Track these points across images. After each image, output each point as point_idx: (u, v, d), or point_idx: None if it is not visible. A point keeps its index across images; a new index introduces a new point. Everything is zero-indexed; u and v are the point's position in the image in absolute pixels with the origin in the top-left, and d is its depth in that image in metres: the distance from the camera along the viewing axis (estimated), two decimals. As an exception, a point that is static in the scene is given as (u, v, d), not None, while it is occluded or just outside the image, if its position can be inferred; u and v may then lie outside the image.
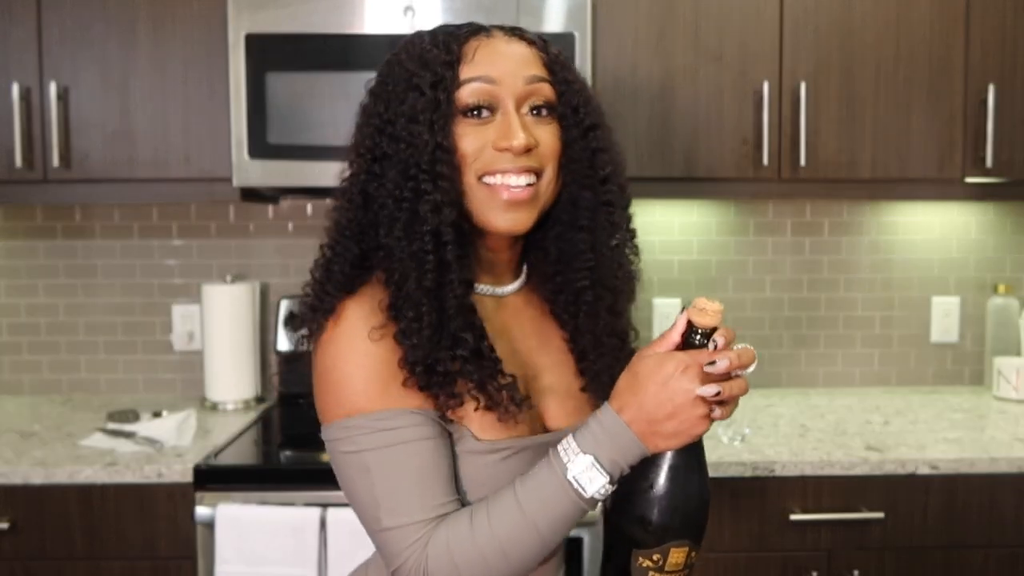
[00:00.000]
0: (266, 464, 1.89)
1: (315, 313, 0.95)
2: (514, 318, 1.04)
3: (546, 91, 0.97)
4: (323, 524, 1.66)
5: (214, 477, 1.73)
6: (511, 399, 0.94)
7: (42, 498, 1.73)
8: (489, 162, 0.94)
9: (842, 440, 1.89)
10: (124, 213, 2.37)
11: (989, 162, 2.02)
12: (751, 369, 0.87)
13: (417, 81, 0.94)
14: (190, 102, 2.01)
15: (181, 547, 1.74)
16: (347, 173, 1.00)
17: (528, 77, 0.96)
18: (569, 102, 0.98)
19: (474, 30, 0.98)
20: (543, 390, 1.03)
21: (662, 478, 0.88)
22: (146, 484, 1.73)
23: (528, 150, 0.94)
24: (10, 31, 1.99)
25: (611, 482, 0.87)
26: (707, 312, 0.85)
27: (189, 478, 1.72)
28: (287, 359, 2.32)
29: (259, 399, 2.29)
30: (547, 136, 0.96)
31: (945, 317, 2.43)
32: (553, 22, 1.91)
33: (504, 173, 0.94)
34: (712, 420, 0.87)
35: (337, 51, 1.92)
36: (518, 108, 0.95)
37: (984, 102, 2.03)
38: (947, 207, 2.41)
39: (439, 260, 0.92)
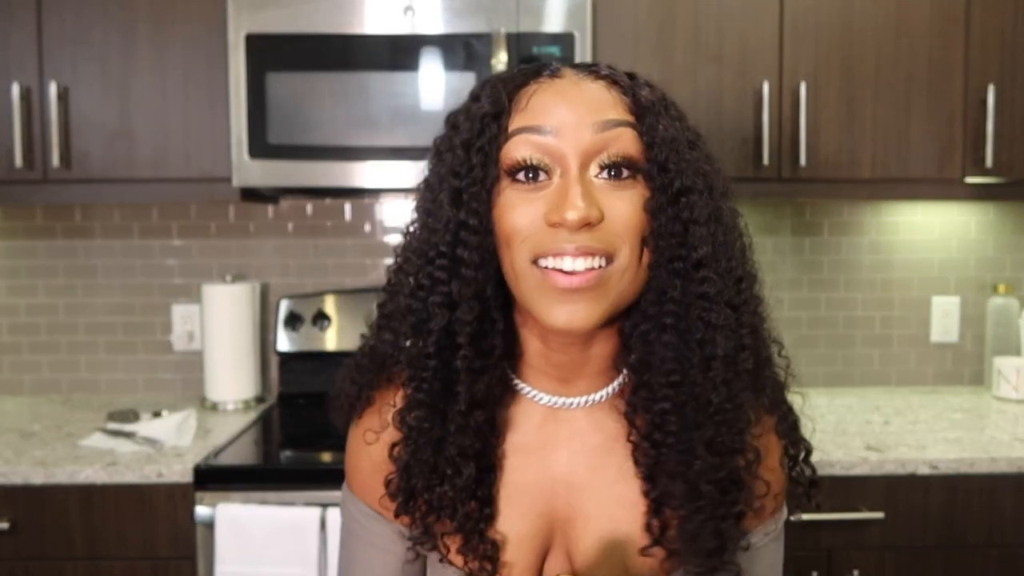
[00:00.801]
0: (266, 464, 1.89)
1: (353, 403, 0.86)
2: (569, 438, 0.82)
3: (625, 143, 0.73)
4: (323, 524, 1.66)
5: (214, 477, 1.73)
6: (481, 557, 0.79)
7: (42, 498, 1.73)
8: (542, 241, 0.72)
9: (842, 440, 1.89)
10: (124, 213, 2.37)
11: (989, 162, 2.02)
12: None
13: (454, 137, 0.77)
14: (190, 102, 2.01)
15: (181, 547, 1.74)
16: (398, 251, 0.83)
17: (599, 124, 0.73)
18: (656, 157, 0.74)
19: (536, 70, 0.77)
20: (578, 536, 0.82)
21: None
22: (146, 484, 1.73)
23: (589, 224, 0.71)
24: (10, 31, 1.99)
25: None
26: None
27: (189, 478, 1.72)
28: (287, 359, 2.32)
29: (259, 399, 2.29)
30: (623, 205, 0.73)
31: (945, 317, 2.43)
32: (553, 22, 1.91)
33: (558, 255, 0.72)
34: None
35: (337, 51, 1.92)
36: (584, 168, 0.73)
37: (984, 102, 2.03)
38: (947, 207, 2.41)
39: (443, 368, 0.76)
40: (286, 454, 2.00)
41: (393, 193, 2.34)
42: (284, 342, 2.30)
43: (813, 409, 1.92)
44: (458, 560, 0.81)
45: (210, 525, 1.69)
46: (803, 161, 2.02)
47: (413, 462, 0.79)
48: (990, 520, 1.78)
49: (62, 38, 1.99)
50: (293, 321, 2.30)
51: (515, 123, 0.74)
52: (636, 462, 0.80)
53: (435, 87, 1.92)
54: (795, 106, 2.02)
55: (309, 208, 2.38)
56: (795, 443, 0.89)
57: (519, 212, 0.73)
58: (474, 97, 0.78)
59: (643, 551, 0.79)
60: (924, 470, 1.76)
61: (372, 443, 0.83)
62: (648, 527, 0.79)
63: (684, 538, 0.77)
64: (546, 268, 0.73)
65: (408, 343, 0.78)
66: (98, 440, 1.89)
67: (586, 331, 0.74)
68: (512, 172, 0.74)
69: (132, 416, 2.05)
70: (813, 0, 2.03)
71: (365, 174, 1.94)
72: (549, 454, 0.82)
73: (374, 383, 0.84)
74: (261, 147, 1.93)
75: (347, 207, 2.38)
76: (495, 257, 0.76)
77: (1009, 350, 2.36)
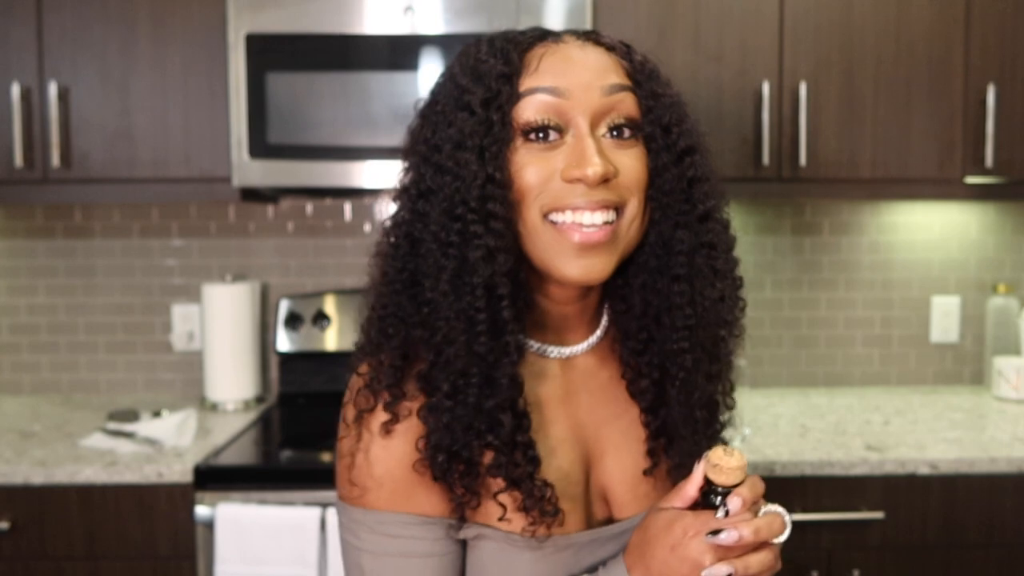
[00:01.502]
0: (266, 464, 1.89)
1: (372, 386, 0.80)
2: (584, 382, 0.87)
3: (628, 105, 0.78)
4: (323, 524, 1.66)
5: (214, 477, 1.73)
6: (543, 510, 0.79)
7: (42, 498, 1.74)
8: (558, 196, 0.76)
9: (842, 440, 1.89)
10: (124, 213, 2.37)
11: (989, 162, 2.02)
12: (783, 538, 0.74)
13: (467, 98, 0.77)
14: (190, 102, 2.01)
15: (181, 547, 1.74)
16: (392, 210, 0.83)
17: (606, 88, 0.77)
18: (658, 119, 0.79)
19: (540, 35, 0.80)
20: (609, 471, 0.87)
21: None
22: (146, 484, 1.73)
23: (606, 180, 0.75)
24: (10, 31, 1.99)
25: None
26: (721, 469, 0.73)
27: (189, 478, 1.72)
28: (287, 359, 2.32)
29: (259, 399, 2.29)
30: (630, 162, 0.78)
31: (945, 317, 2.43)
32: (553, 22, 1.91)
33: (576, 210, 0.76)
34: None
35: (337, 51, 1.92)
36: (593, 128, 0.77)
37: (984, 102, 2.02)
38: (947, 207, 2.41)
39: (492, 320, 0.76)
40: (286, 454, 2.00)
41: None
42: (284, 342, 2.30)
43: (813, 409, 1.94)
44: (518, 519, 0.79)
45: (210, 525, 1.69)
46: (803, 161, 2.02)
47: (453, 419, 0.76)
48: (990, 520, 1.78)
49: (62, 38, 1.99)
50: (293, 321, 2.30)
51: (527, 84, 0.77)
52: (632, 396, 0.87)
53: (435, 87, 1.92)
54: (795, 106, 2.02)
55: (309, 208, 2.38)
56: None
57: (533, 169, 0.76)
58: (477, 58, 0.79)
59: (645, 472, 0.87)
60: (924, 470, 1.76)
61: (393, 433, 0.78)
62: (650, 452, 0.87)
63: (682, 456, 0.85)
64: (560, 223, 0.76)
65: (449, 301, 0.76)
66: (98, 440, 1.89)
67: (601, 281, 0.78)
68: (526, 131, 0.77)
69: (132, 416, 2.05)
70: (813, 0, 2.03)
71: (365, 174, 1.94)
72: (572, 400, 0.86)
73: (409, 352, 0.80)
74: (261, 147, 1.93)
75: (347, 207, 2.38)
76: (518, 208, 0.77)
77: (1009, 350, 2.36)
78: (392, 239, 0.82)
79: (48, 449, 1.85)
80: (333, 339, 2.29)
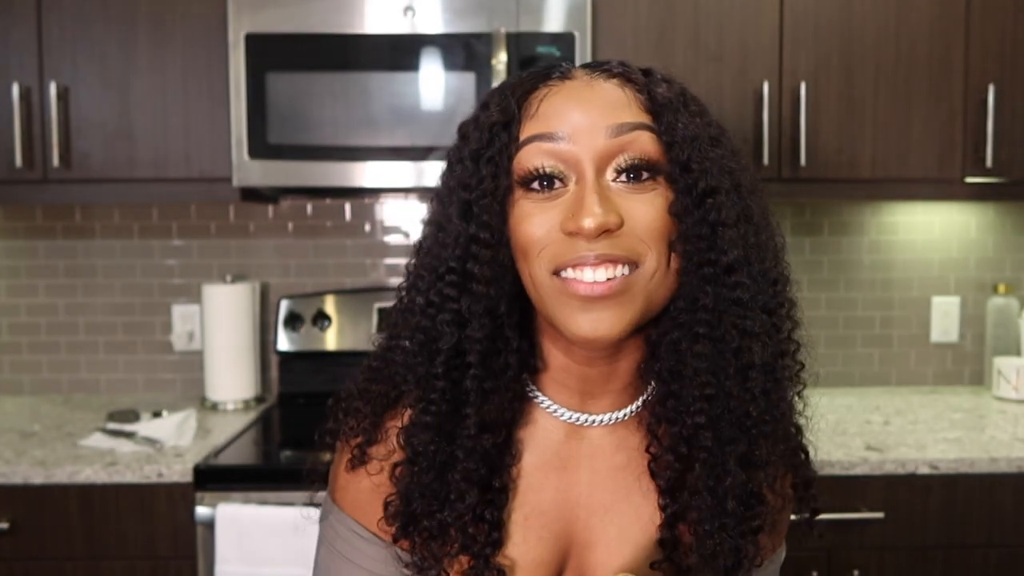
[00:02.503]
0: (266, 464, 1.89)
1: (356, 420, 0.79)
2: (591, 459, 0.78)
3: (643, 145, 0.69)
4: (323, 524, 1.66)
5: (214, 477, 1.73)
6: None
7: (42, 498, 1.73)
8: (560, 252, 0.69)
9: (842, 440, 1.89)
10: (124, 213, 2.37)
11: (989, 162, 2.02)
12: None
13: (463, 149, 0.73)
14: (190, 102, 2.01)
15: (181, 547, 1.74)
16: (410, 267, 0.79)
17: (613, 127, 0.69)
18: (678, 157, 0.70)
19: (546, 73, 0.74)
20: (593, 567, 0.78)
21: None
22: (146, 484, 1.73)
23: (605, 232, 0.67)
24: (10, 31, 1.99)
25: None
26: None
27: (189, 478, 1.72)
28: (287, 359, 2.32)
29: (259, 399, 2.29)
30: (643, 209, 0.69)
31: (945, 317, 2.43)
32: (553, 22, 1.91)
33: (576, 266, 0.68)
34: None
35: (337, 51, 1.92)
36: (600, 173, 0.69)
37: (984, 102, 2.02)
38: (947, 207, 2.41)
39: (453, 389, 0.72)
40: (286, 454, 2.00)
41: (393, 193, 2.34)
42: (284, 342, 2.30)
43: (813, 409, 1.91)
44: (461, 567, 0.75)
45: (210, 525, 1.69)
46: (803, 161, 2.02)
47: (415, 485, 0.73)
48: (990, 520, 1.78)
49: (62, 38, 1.99)
50: (293, 321, 2.30)
51: (526, 131, 0.71)
52: (653, 475, 0.76)
53: (435, 87, 1.92)
54: (795, 106, 2.02)
55: (309, 208, 2.38)
56: (806, 477, 0.83)
57: (535, 222, 0.70)
58: (483, 105, 0.75)
59: (654, 566, 0.76)
60: (924, 470, 1.76)
61: (375, 473, 0.77)
62: (662, 542, 0.76)
63: (702, 554, 0.73)
64: (566, 278, 0.69)
65: (416, 363, 0.74)
66: (98, 440, 1.89)
67: (613, 340, 0.69)
68: (525, 182, 0.71)
69: (132, 416, 2.05)
70: (813, 0, 2.03)
71: (365, 174, 1.94)
72: (570, 474, 0.78)
73: (383, 408, 0.78)
74: (261, 147, 1.93)
75: (347, 207, 2.38)
76: (509, 271, 0.72)
77: (1009, 350, 2.36)
78: (403, 288, 0.79)
79: (48, 449, 1.85)
80: (333, 339, 2.29)
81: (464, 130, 0.75)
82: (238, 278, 2.32)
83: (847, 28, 2.03)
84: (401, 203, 2.38)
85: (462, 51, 1.91)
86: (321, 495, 0.87)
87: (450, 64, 1.92)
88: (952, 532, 1.78)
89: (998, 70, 2.04)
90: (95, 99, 2.01)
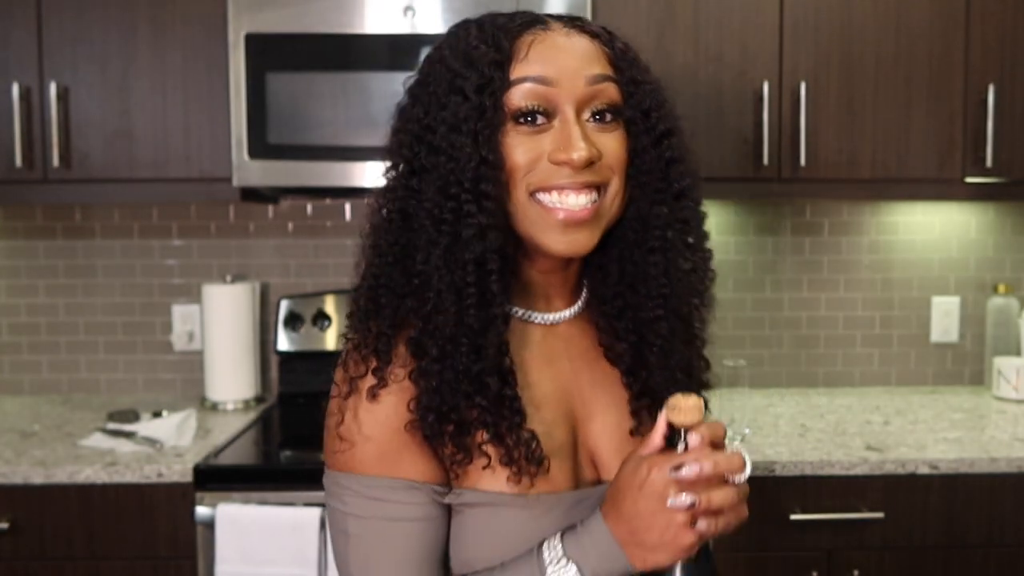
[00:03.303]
0: (266, 464, 1.89)
1: (362, 352, 0.83)
2: (566, 349, 0.92)
3: (611, 92, 0.84)
4: (323, 524, 1.66)
5: (214, 477, 1.73)
6: (528, 457, 0.82)
7: (42, 498, 1.74)
8: (544, 177, 0.81)
9: (842, 440, 1.89)
10: (124, 213, 2.37)
11: (989, 162, 2.02)
12: (745, 475, 0.77)
13: (461, 83, 0.81)
14: (190, 102, 2.01)
15: (181, 547, 1.74)
16: (382, 184, 0.87)
17: (591, 77, 0.82)
18: (639, 105, 0.85)
19: (528, 21, 0.84)
20: (597, 434, 0.91)
21: None
22: (146, 484, 1.73)
23: (590, 163, 0.81)
24: (10, 31, 1.99)
25: None
26: (679, 409, 0.76)
27: (189, 478, 1.72)
28: (287, 359, 2.32)
29: (259, 399, 2.29)
30: (612, 145, 0.83)
31: (945, 317, 2.43)
32: (553, 22, 1.91)
33: (561, 191, 0.81)
34: (700, 534, 0.76)
35: (337, 51, 1.92)
36: (579, 113, 0.82)
37: (984, 102, 2.03)
38: (947, 207, 2.41)
39: (481, 293, 0.80)
40: (286, 454, 2.00)
41: (393, 193, 2.34)
42: (284, 342, 2.30)
43: (813, 409, 1.93)
44: (502, 472, 0.82)
45: (210, 525, 1.69)
46: (803, 161, 2.02)
47: (442, 383, 0.80)
48: (990, 520, 1.78)
49: (62, 38, 1.99)
50: (293, 321, 2.30)
51: (518, 71, 0.81)
52: (611, 361, 0.92)
53: (435, 87, 1.92)
54: (795, 106, 2.02)
55: (309, 208, 2.38)
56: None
57: (521, 151, 0.81)
58: (468, 42, 0.83)
59: (632, 432, 0.91)
60: (924, 470, 1.76)
61: (382, 396, 0.81)
62: (634, 413, 0.92)
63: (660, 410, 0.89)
64: (546, 203, 0.82)
65: (442, 274, 0.80)
66: (98, 440, 1.89)
67: (585, 253, 0.84)
68: (515, 116, 0.81)
69: (132, 416, 2.05)
70: (813, 0, 2.03)
71: (365, 174, 1.93)
72: (555, 365, 0.90)
73: (400, 322, 0.83)
74: (261, 147, 1.93)
75: (347, 207, 2.38)
76: (507, 187, 0.82)
77: (1009, 350, 2.36)
78: (384, 212, 0.86)
79: (48, 449, 1.85)
80: (333, 339, 2.29)
81: (448, 63, 0.83)
82: (238, 278, 2.32)
83: (847, 28, 2.03)
84: (401, 203, 2.38)
85: (462, 51, 1.91)
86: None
87: (450, 64, 1.91)
88: (952, 532, 1.78)
89: (998, 70, 2.04)
90: (95, 99, 2.01)
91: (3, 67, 1.99)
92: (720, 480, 0.76)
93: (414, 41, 1.92)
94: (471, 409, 0.81)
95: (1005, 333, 2.37)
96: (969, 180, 2.06)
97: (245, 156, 1.93)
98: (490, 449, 0.82)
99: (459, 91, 0.81)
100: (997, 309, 2.38)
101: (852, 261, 2.42)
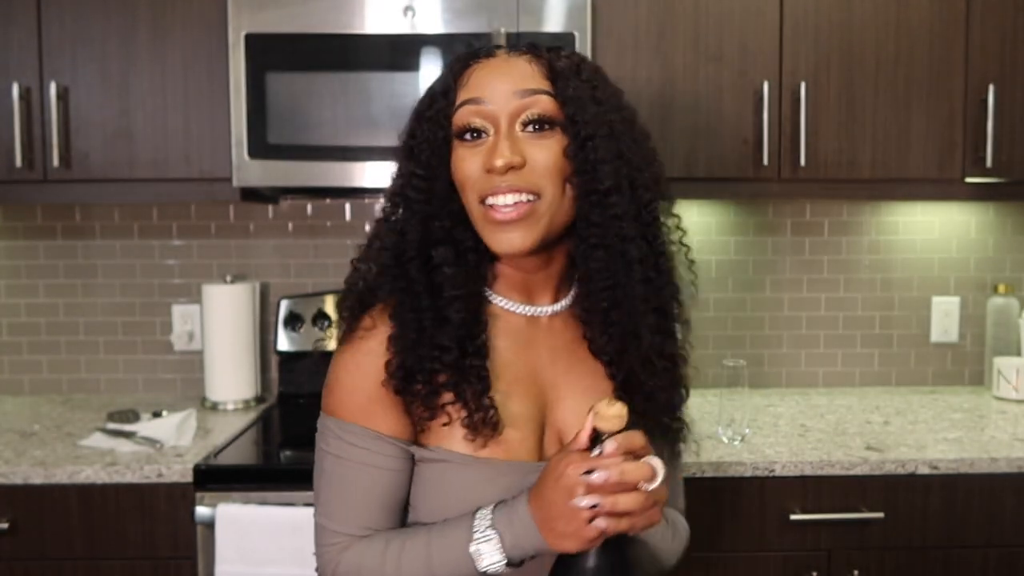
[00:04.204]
0: (266, 464, 1.89)
1: (352, 316, 1.00)
2: (547, 338, 1.02)
3: (542, 104, 0.93)
4: (323, 524, 1.65)
5: (214, 477, 1.73)
6: (484, 421, 0.93)
7: (42, 498, 1.74)
8: (483, 184, 0.92)
9: (842, 440, 1.89)
10: (124, 213, 2.37)
11: (989, 162, 2.02)
12: (656, 483, 0.83)
13: (420, 109, 0.98)
14: (190, 102, 2.01)
15: (181, 547, 1.74)
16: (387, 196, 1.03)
17: (520, 92, 0.92)
18: (567, 113, 0.93)
19: (476, 53, 0.97)
20: (566, 414, 1.00)
21: None
22: (146, 484, 1.73)
23: (511, 169, 0.91)
24: (10, 31, 1.99)
25: (509, 563, 0.88)
26: (601, 416, 0.82)
27: (189, 478, 1.72)
28: (287, 359, 2.32)
29: (259, 399, 2.29)
30: (542, 153, 0.92)
31: (945, 317, 2.43)
32: (553, 22, 1.91)
33: (493, 194, 0.92)
34: (600, 531, 0.83)
35: (337, 51, 1.92)
36: (511, 126, 0.93)
37: (984, 102, 2.03)
38: (947, 207, 2.41)
39: (428, 280, 0.95)
40: (286, 454, 2.00)
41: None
42: (284, 342, 2.30)
43: (813, 409, 1.93)
44: (459, 432, 0.94)
45: (210, 525, 1.69)
46: (803, 161, 2.02)
47: (409, 346, 0.93)
48: (990, 520, 1.78)
49: (62, 38, 1.99)
50: (293, 321, 2.30)
51: (460, 97, 0.94)
52: (595, 355, 1.00)
53: (435, 87, 1.92)
54: (795, 106, 2.02)
55: (309, 208, 2.38)
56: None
57: (466, 163, 0.93)
58: (435, 79, 1.00)
59: None
60: (924, 470, 1.76)
61: (367, 354, 0.96)
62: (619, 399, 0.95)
63: (646, 399, 0.98)
64: (488, 205, 0.92)
65: (390, 263, 0.97)
66: (98, 440, 1.89)
67: (524, 253, 0.93)
68: (460, 134, 0.94)
69: (132, 416, 2.05)
70: (813, 0, 2.03)
71: (365, 174, 1.94)
72: (533, 351, 1.00)
73: (361, 308, 0.99)
74: (261, 147, 1.93)
75: (347, 207, 2.38)
76: (447, 198, 0.95)
77: (1009, 350, 2.36)
78: (382, 212, 1.01)
79: (48, 449, 1.85)
80: (333, 339, 2.29)
81: (424, 94, 0.99)
82: (238, 278, 2.32)
83: (847, 28, 2.03)
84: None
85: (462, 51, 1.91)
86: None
87: (450, 64, 1.92)
88: (952, 532, 1.78)
89: (998, 70, 2.04)
90: (95, 99, 2.01)
91: (3, 67, 1.99)
92: (629, 486, 0.82)
93: (414, 41, 1.92)
94: (439, 373, 0.93)
95: (1005, 333, 2.37)
96: (969, 180, 2.06)
97: (245, 156, 1.93)
98: (452, 410, 0.94)
99: (416, 117, 0.98)
100: (997, 309, 2.38)
101: (852, 261, 2.42)
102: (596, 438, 0.84)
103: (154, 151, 2.02)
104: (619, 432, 0.83)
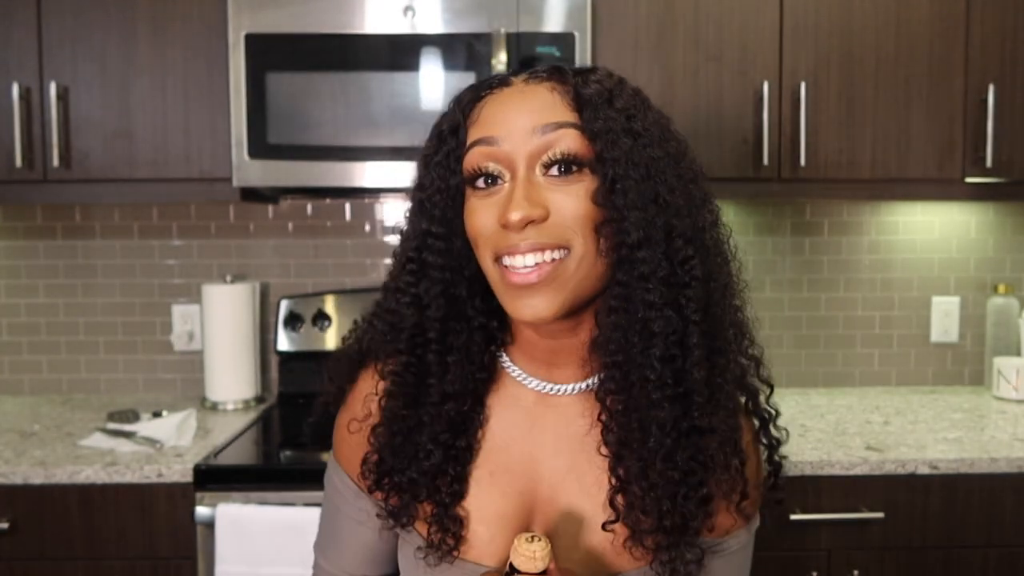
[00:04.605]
0: (266, 464, 1.88)
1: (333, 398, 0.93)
2: (556, 425, 0.85)
3: (567, 141, 0.76)
4: (323, 524, 1.66)
5: (214, 477, 1.73)
6: (442, 540, 0.83)
7: (42, 498, 1.73)
8: (498, 241, 0.76)
9: (842, 440, 1.89)
10: (124, 213, 2.37)
11: (989, 162, 2.02)
12: None
13: (427, 153, 0.83)
14: (190, 102, 2.01)
15: (181, 547, 1.74)
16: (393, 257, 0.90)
17: (541, 128, 0.76)
18: (595, 149, 0.76)
19: (491, 83, 0.81)
20: (555, 519, 0.85)
21: None
22: (146, 484, 1.73)
23: (531, 223, 0.75)
24: (10, 31, 1.99)
25: None
26: (518, 553, 0.73)
27: (189, 478, 1.72)
28: (287, 359, 2.32)
29: (259, 399, 2.29)
30: (568, 200, 0.75)
31: (945, 317, 2.43)
32: (553, 22, 1.91)
33: (511, 254, 0.76)
34: None
35: (337, 51, 1.92)
36: (531, 169, 0.76)
37: (984, 102, 2.02)
38: (947, 207, 2.41)
39: (417, 363, 0.83)
40: (286, 454, 2.00)
41: (393, 193, 2.34)
42: (284, 342, 2.30)
43: (813, 409, 1.93)
44: (422, 529, 0.85)
45: (210, 525, 1.69)
46: (803, 161, 2.02)
47: (388, 445, 0.84)
48: (990, 520, 1.78)
49: (62, 38, 1.99)
50: (293, 321, 2.30)
51: (470, 136, 0.79)
52: (605, 442, 0.81)
53: (435, 87, 1.92)
54: (795, 106, 2.02)
55: (309, 208, 2.38)
56: (770, 445, 0.89)
57: (479, 216, 0.78)
58: (443, 112, 0.83)
59: (604, 525, 0.81)
60: (924, 470, 1.76)
61: (355, 432, 0.88)
62: (611, 502, 0.81)
63: (642, 513, 0.79)
64: (505, 266, 0.77)
65: (386, 341, 0.85)
66: (98, 440, 1.89)
67: (547, 321, 0.76)
68: (471, 180, 0.79)
69: (132, 416, 2.05)
70: (813, 0, 2.03)
71: (365, 174, 1.94)
72: (536, 436, 0.85)
73: (351, 377, 0.91)
74: (261, 147, 1.93)
75: (347, 207, 2.38)
76: (465, 258, 0.81)
77: (1009, 350, 2.36)
78: (391, 278, 0.88)
79: (48, 449, 1.85)
80: (333, 339, 2.29)
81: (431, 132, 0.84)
82: (238, 278, 2.32)
83: (847, 28, 2.03)
84: (401, 203, 2.38)
85: (462, 51, 1.91)
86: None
87: (450, 64, 1.92)
88: (952, 532, 1.78)
89: (998, 70, 2.04)
90: (95, 99, 2.01)
91: (3, 67, 1.99)
92: None
93: (414, 41, 1.92)
94: (409, 474, 0.83)
95: (1005, 333, 2.37)
96: (969, 180, 2.06)
97: (245, 156, 1.93)
98: (417, 508, 0.85)
99: (422, 163, 0.83)
100: (997, 309, 2.38)
101: (852, 261, 2.42)
102: (510, 574, 0.74)
103: (154, 151, 2.02)
104: (538, 574, 0.73)
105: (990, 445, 1.85)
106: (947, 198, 2.19)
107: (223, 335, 2.21)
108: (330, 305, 2.30)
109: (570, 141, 0.76)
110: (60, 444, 1.89)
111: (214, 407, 2.22)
